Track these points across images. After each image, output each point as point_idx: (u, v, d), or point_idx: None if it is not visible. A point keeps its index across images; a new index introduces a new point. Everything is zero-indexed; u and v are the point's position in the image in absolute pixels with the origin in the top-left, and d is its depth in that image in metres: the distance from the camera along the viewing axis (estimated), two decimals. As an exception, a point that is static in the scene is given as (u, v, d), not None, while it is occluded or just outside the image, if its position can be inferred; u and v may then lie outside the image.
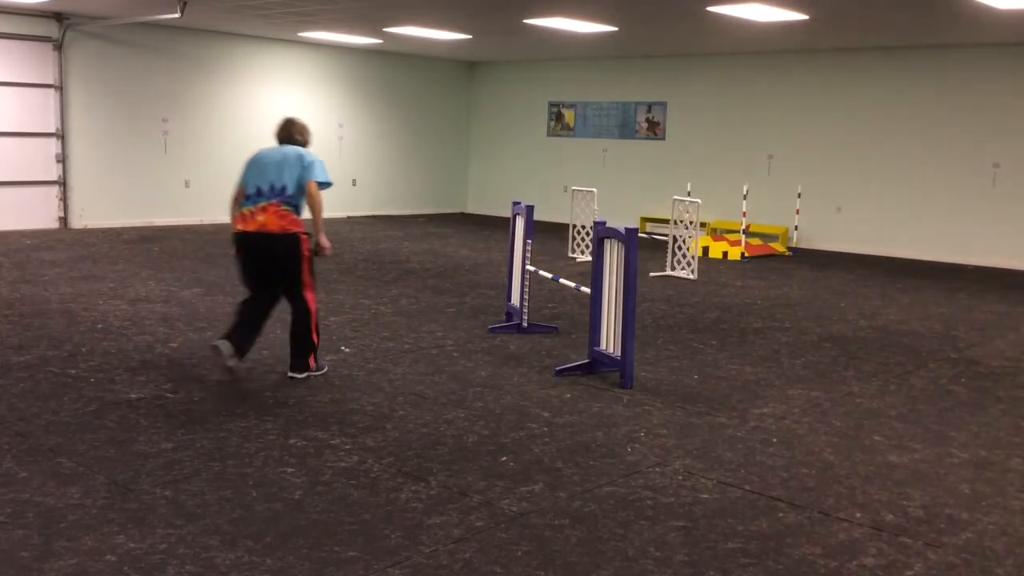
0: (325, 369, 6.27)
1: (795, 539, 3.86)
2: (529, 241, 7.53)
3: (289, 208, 5.88)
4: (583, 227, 12.59)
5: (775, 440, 5.16)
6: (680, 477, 4.54)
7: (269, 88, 16.28)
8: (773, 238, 14.88)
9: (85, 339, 6.98)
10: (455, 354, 6.91)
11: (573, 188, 13.17)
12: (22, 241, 12.37)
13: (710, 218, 15.27)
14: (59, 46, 13.67)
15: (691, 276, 11.13)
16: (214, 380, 5.98)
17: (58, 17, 13.58)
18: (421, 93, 18.58)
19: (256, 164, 6.02)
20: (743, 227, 13.53)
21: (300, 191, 5.90)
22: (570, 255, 12.81)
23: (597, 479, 4.46)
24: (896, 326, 8.61)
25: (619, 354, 6.12)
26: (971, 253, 13.59)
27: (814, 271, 12.29)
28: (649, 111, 16.93)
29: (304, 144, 6.20)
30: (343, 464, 4.55)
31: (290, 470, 4.45)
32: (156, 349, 6.75)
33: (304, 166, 5.90)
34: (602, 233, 6.30)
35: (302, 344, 6.04)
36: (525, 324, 7.71)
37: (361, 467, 4.52)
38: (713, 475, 4.58)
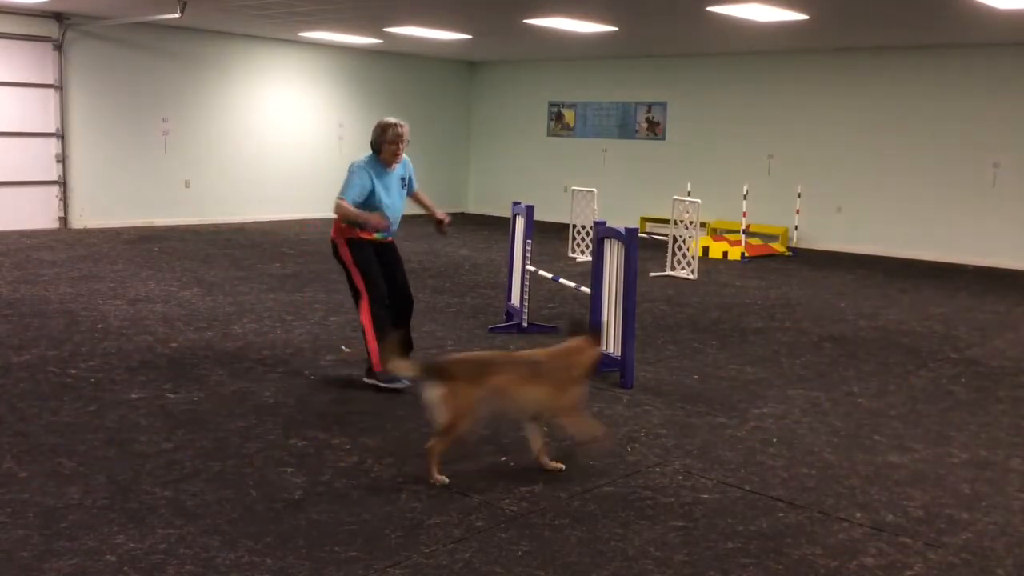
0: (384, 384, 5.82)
1: (795, 539, 3.86)
2: (529, 241, 7.53)
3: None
4: (583, 227, 12.59)
5: (775, 440, 5.16)
6: (680, 477, 4.54)
7: (269, 88, 16.28)
8: (773, 238, 14.87)
9: (85, 339, 6.98)
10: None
11: (573, 188, 13.16)
12: (22, 241, 12.37)
13: (710, 218, 15.27)
14: (59, 46, 13.67)
15: (691, 276, 11.13)
16: (214, 380, 5.98)
17: (58, 17, 13.58)
18: (421, 93, 18.57)
19: None
20: (743, 227, 13.53)
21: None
22: (570, 255, 12.81)
23: (597, 479, 4.46)
24: (896, 326, 8.60)
25: (619, 354, 6.12)
26: (971, 253, 13.59)
27: (814, 271, 12.29)
28: (649, 111, 16.94)
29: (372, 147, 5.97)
30: (343, 464, 4.55)
31: (290, 470, 4.45)
32: (156, 349, 6.75)
33: None
34: (602, 233, 6.30)
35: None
36: (525, 324, 7.71)
37: (361, 467, 4.52)
38: (713, 475, 4.58)
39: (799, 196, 14.71)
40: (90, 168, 14.24)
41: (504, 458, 4.71)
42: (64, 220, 14.04)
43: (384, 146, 5.86)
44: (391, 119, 5.91)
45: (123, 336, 7.13)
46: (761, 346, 7.56)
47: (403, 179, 6.04)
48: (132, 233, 13.74)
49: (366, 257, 5.88)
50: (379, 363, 5.71)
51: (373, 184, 5.81)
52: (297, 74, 16.65)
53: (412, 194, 6.22)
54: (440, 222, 6.23)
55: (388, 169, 5.93)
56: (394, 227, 6.01)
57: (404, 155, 5.99)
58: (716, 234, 14.69)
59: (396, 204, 5.97)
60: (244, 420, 5.18)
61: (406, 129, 5.88)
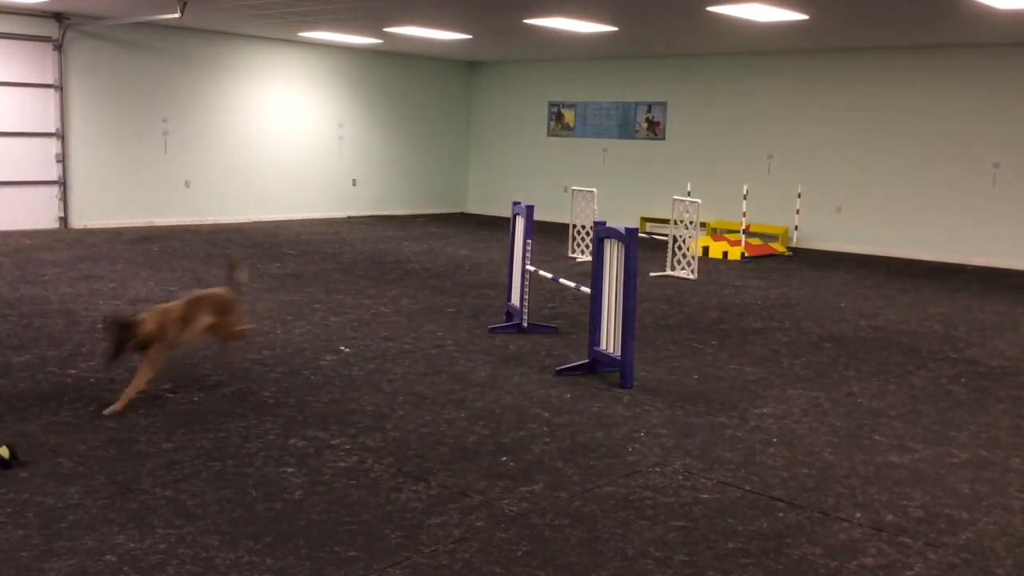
0: None
1: (795, 539, 3.86)
2: (529, 241, 7.53)
3: None
4: (583, 227, 12.59)
5: (775, 440, 5.16)
6: (680, 477, 4.54)
7: (269, 88, 16.28)
8: (773, 238, 14.87)
9: (85, 339, 6.98)
10: (455, 354, 6.90)
11: (573, 188, 13.17)
12: (22, 241, 12.37)
13: (710, 218, 15.27)
14: (59, 46, 13.67)
15: (691, 276, 11.13)
16: (214, 380, 5.98)
17: (58, 17, 13.58)
18: (421, 93, 18.57)
19: None
20: (743, 227, 13.53)
21: None
22: (570, 255, 12.81)
23: (597, 479, 4.46)
24: (896, 326, 8.60)
25: (619, 354, 6.12)
26: (971, 253, 13.59)
27: (814, 271, 12.29)
28: (649, 111, 16.93)
29: None
30: (343, 464, 4.55)
31: (290, 470, 4.45)
32: (156, 349, 6.74)
33: None
34: (602, 233, 6.30)
35: None
36: (525, 324, 7.71)
37: (361, 467, 4.52)
38: (713, 475, 4.58)
39: (799, 196, 14.71)
40: (90, 168, 14.24)
41: (504, 458, 4.71)
42: (64, 220, 14.04)
43: None
44: None
45: (123, 336, 7.12)
46: (761, 346, 7.56)
47: None
48: (132, 233, 13.74)
49: None
50: None
51: None
52: (297, 74, 16.64)
53: None
54: None
55: None
56: None
57: None
58: (716, 234, 14.69)
59: None
60: (244, 420, 5.18)
61: None
